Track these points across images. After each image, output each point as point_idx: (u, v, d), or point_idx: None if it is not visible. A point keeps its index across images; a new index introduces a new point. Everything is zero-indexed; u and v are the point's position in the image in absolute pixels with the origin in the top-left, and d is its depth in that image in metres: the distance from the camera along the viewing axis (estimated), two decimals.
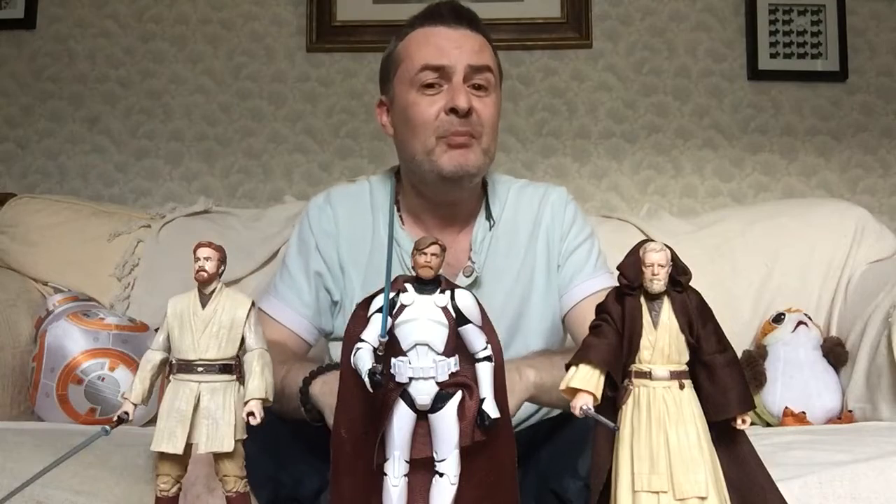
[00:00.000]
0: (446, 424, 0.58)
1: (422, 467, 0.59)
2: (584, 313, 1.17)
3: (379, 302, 0.58)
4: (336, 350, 1.26)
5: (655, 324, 0.57)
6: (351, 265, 1.21)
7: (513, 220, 1.25)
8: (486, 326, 0.61)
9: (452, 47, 1.14)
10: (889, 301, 1.43)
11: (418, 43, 1.16)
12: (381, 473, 0.59)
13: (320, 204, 1.27)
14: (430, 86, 1.14)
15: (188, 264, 0.60)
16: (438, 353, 0.58)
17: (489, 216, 1.24)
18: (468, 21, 1.18)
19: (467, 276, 1.18)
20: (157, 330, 0.62)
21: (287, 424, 0.97)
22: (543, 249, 1.23)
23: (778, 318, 1.61)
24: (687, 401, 0.57)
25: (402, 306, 0.59)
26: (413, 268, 0.59)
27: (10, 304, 1.59)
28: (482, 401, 0.59)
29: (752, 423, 0.59)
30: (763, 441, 1.08)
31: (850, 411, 1.45)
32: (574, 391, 0.57)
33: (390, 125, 1.22)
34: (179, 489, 0.60)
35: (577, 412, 0.56)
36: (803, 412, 1.47)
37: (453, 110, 1.11)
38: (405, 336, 0.58)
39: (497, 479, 0.62)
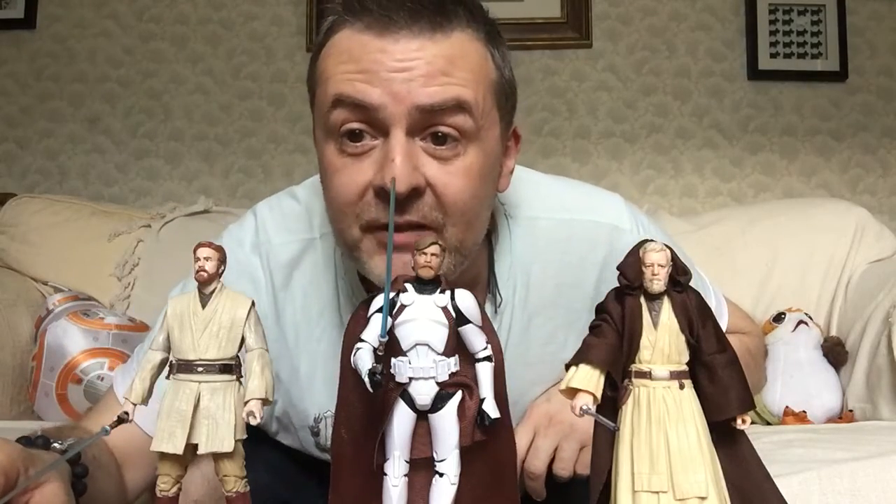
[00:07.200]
0: (446, 424, 0.58)
1: (422, 467, 0.59)
2: None
3: (379, 302, 0.58)
4: None
5: (655, 324, 0.57)
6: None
7: (543, 283, 0.85)
8: (487, 326, 0.61)
9: (389, 72, 0.67)
10: (889, 301, 1.43)
11: (337, 56, 0.70)
12: (381, 473, 0.59)
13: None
14: (354, 135, 0.70)
15: (188, 264, 0.60)
16: (438, 353, 0.58)
17: (495, 291, 0.83)
18: (431, 14, 0.69)
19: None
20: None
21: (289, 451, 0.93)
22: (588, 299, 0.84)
23: (778, 318, 1.61)
24: (687, 401, 0.57)
25: (402, 306, 0.59)
26: (413, 268, 0.59)
27: (10, 303, 1.59)
28: (482, 401, 0.59)
29: (752, 423, 0.59)
30: (763, 439, 1.08)
31: (851, 411, 1.45)
32: (574, 391, 0.57)
33: None
34: (179, 489, 0.60)
35: (576, 412, 0.56)
36: (804, 412, 1.47)
37: (385, 190, 0.67)
38: (405, 336, 0.58)
39: (497, 479, 0.62)
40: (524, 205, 0.86)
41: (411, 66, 0.68)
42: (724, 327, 0.97)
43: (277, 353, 0.84)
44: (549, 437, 0.84)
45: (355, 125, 0.69)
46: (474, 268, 0.81)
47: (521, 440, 0.83)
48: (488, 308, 0.84)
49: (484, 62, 0.74)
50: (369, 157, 0.70)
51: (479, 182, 0.72)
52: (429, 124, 0.69)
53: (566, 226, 0.85)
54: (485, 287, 0.85)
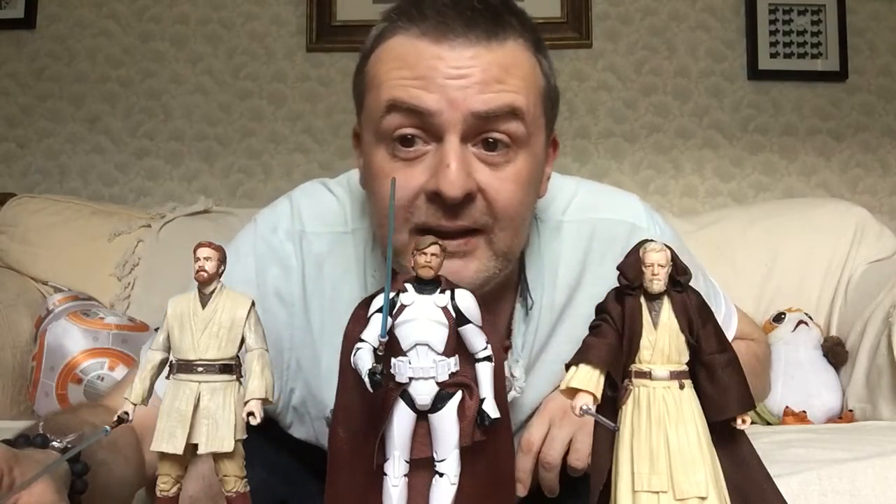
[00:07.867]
0: (446, 424, 0.58)
1: (422, 467, 0.59)
2: None
3: (379, 302, 0.58)
4: None
5: (655, 324, 0.57)
6: None
7: (568, 284, 0.85)
8: (487, 326, 0.61)
9: (444, 78, 0.69)
10: (889, 301, 1.43)
11: (391, 62, 0.72)
12: (381, 473, 0.59)
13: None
14: (407, 140, 0.71)
15: (188, 264, 0.60)
16: (438, 353, 0.58)
17: (525, 292, 0.84)
18: (486, 23, 0.71)
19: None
20: (157, 330, 0.62)
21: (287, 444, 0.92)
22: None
23: (778, 318, 1.61)
24: (687, 401, 0.57)
25: (402, 306, 0.59)
26: (413, 268, 0.59)
27: (10, 303, 1.59)
28: (482, 401, 0.59)
29: (752, 423, 0.59)
30: (762, 439, 1.08)
31: (851, 411, 1.45)
32: (574, 391, 0.57)
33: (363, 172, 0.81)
34: (179, 489, 0.60)
35: (576, 412, 0.56)
36: (804, 412, 1.47)
37: (438, 195, 0.70)
38: (405, 336, 0.58)
39: (497, 479, 0.62)
40: (551, 208, 0.88)
41: (467, 74, 0.70)
42: (732, 335, 0.97)
43: (301, 341, 0.85)
44: (564, 427, 0.83)
45: (409, 130, 0.71)
46: (509, 271, 0.82)
47: (537, 432, 0.82)
48: (520, 311, 0.86)
49: (533, 70, 0.76)
50: (422, 162, 0.72)
51: (527, 188, 0.75)
52: (482, 130, 0.71)
53: (588, 226, 0.88)
54: (515, 289, 0.86)
